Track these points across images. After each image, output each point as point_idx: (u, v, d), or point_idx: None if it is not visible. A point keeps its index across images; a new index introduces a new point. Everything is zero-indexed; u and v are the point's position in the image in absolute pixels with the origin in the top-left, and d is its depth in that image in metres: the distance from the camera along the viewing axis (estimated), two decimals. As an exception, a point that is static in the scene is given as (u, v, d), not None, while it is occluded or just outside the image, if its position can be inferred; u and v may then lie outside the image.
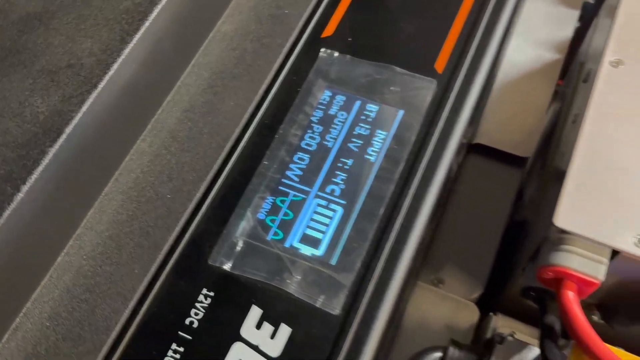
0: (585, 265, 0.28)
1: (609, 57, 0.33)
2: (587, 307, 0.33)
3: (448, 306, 0.37)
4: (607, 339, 0.30)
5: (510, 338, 0.31)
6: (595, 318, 0.33)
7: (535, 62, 0.46)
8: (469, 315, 0.37)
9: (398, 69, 0.32)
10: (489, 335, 0.33)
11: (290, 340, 0.26)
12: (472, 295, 0.38)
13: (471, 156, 0.43)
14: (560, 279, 0.29)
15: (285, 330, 0.26)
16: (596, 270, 0.28)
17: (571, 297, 0.28)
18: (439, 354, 0.31)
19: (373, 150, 0.30)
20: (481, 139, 0.43)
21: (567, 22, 0.47)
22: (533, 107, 0.43)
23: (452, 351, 0.31)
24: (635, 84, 0.32)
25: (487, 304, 0.39)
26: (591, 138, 0.30)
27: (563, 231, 0.29)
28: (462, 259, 0.39)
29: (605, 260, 0.28)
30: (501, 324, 0.38)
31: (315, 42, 0.33)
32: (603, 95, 0.32)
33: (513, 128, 0.43)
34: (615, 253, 0.29)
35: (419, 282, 0.38)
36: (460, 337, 0.36)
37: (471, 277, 0.38)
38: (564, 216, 0.29)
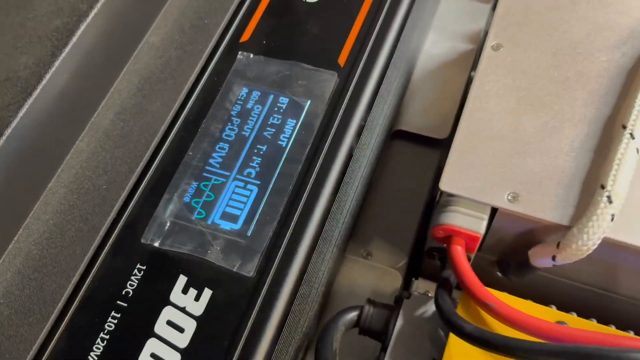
0: (468, 222, 0.32)
1: (490, 41, 0.37)
2: (489, 264, 0.37)
3: (374, 275, 0.41)
4: (509, 291, 0.34)
5: (416, 293, 0.35)
6: (499, 275, 0.38)
7: (451, 54, 0.50)
8: (393, 281, 0.41)
9: (305, 65, 0.36)
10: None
11: (212, 301, 0.30)
12: (398, 264, 0.42)
13: (394, 141, 0.47)
14: (449, 236, 0.33)
15: (207, 293, 0.30)
16: (478, 226, 0.32)
17: (459, 250, 0.33)
18: (355, 312, 0.35)
19: (284, 137, 0.35)
20: (402, 125, 0.47)
21: (480, 15, 0.52)
22: (449, 94, 0.48)
23: (367, 308, 0.35)
24: (511, 64, 0.36)
25: (413, 271, 0.43)
26: (473, 112, 0.35)
27: (449, 194, 0.33)
28: (388, 233, 0.43)
29: (485, 216, 0.33)
30: (421, 286, 0.42)
31: (234, 46, 0.38)
32: (485, 75, 0.36)
33: (431, 114, 0.48)
34: (494, 210, 0.33)
35: (348, 256, 0.42)
36: (384, 301, 0.40)
37: (396, 248, 0.43)
38: (448, 181, 0.33)
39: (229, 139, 0.35)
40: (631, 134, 0.31)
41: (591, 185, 0.31)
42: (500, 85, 0.35)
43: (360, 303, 0.38)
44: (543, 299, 0.34)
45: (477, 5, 0.53)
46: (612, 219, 0.30)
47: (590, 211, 0.30)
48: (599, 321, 0.33)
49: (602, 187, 0.30)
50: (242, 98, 0.36)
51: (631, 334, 0.32)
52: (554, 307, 0.33)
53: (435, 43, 0.51)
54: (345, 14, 0.38)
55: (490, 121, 0.34)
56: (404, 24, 0.39)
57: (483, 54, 0.37)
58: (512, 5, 0.38)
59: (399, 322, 0.34)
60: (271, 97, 0.36)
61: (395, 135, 0.47)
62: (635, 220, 0.31)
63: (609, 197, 0.30)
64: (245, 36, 0.38)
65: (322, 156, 0.34)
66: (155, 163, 0.34)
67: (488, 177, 0.33)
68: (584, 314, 0.33)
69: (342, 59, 0.36)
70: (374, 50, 0.37)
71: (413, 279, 0.42)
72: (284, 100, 0.36)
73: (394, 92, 0.42)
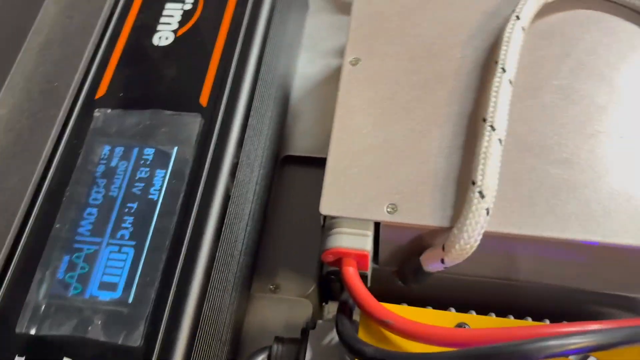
0: (353, 242, 0.32)
1: (348, 57, 0.37)
2: (391, 274, 0.37)
3: (285, 308, 0.40)
4: (415, 298, 0.34)
5: (320, 322, 0.35)
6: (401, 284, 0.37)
7: (326, 71, 0.50)
8: (305, 310, 0.40)
9: (166, 111, 0.35)
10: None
11: (101, 380, 0.28)
12: (307, 292, 0.41)
13: (285, 167, 0.47)
14: (339, 259, 0.33)
15: (94, 373, 0.28)
16: (364, 243, 0.32)
17: (350, 272, 0.32)
18: (264, 355, 0.34)
19: (155, 190, 0.33)
20: (290, 150, 0.47)
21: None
22: (330, 111, 0.48)
23: (275, 348, 0.34)
24: (371, 76, 0.36)
25: (325, 295, 0.43)
26: (341, 130, 0.35)
27: (332, 217, 0.33)
28: (293, 262, 0.43)
29: (370, 232, 0.32)
30: (332, 309, 0.41)
31: (90, 104, 0.36)
32: (347, 91, 0.36)
33: (316, 133, 0.47)
34: (378, 224, 0.33)
35: (255, 294, 0.41)
36: (298, 333, 0.39)
37: (303, 275, 0.42)
38: (327, 204, 0.32)
39: (97, 202, 0.33)
40: (492, 126, 0.32)
41: (464, 183, 0.32)
42: (363, 99, 0.35)
43: (272, 341, 0.37)
44: (446, 300, 0.35)
45: (344, 18, 0.53)
46: (487, 213, 0.30)
47: (466, 209, 0.30)
48: (497, 314, 0.33)
49: (473, 183, 0.31)
50: (105, 157, 0.34)
51: (529, 319, 0.32)
52: (453, 310, 0.33)
53: (308, 62, 0.51)
54: (201, 52, 0.37)
55: (360, 136, 0.34)
56: (262, 52, 0.38)
57: (342, 70, 0.37)
58: (364, 18, 0.38)
59: (308, 355, 0.33)
60: (135, 150, 0.34)
61: (285, 161, 0.47)
62: (510, 209, 0.31)
63: (480, 192, 0.30)
64: (101, 92, 0.36)
65: (196, 203, 0.32)
66: (21, 243, 0.32)
67: (366, 193, 0.33)
68: (483, 308, 0.33)
69: (203, 99, 0.35)
70: (235, 84, 0.36)
71: (324, 303, 0.42)
72: (149, 152, 0.34)
73: (269, 121, 0.41)
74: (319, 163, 0.47)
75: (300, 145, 0.47)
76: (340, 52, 0.51)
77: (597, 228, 0.30)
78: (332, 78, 0.50)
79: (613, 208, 0.31)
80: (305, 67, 0.50)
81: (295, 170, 0.47)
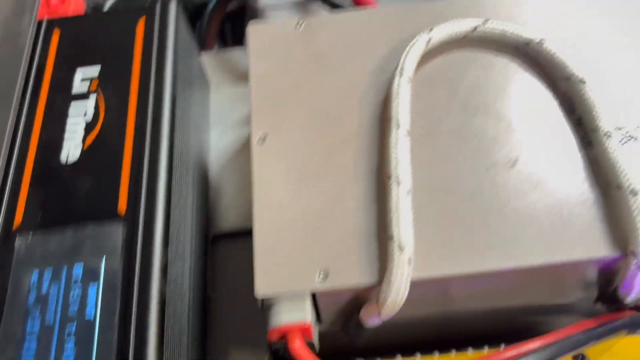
0: (294, 316, 0.33)
1: (255, 136, 0.39)
2: (338, 333, 0.38)
3: (241, 388, 0.41)
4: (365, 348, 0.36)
5: (280, 396, 0.35)
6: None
7: (238, 141, 0.52)
8: (263, 385, 0.41)
9: (87, 225, 0.36)
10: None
11: None
12: (262, 363, 0.42)
13: (217, 245, 0.47)
14: (284, 334, 0.34)
15: None
16: (303, 315, 0.33)
17: (297, 346, 0.33)
18: None
19: (90, 307, 0.33)
20: (218, 229, 0.47)
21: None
22: (249, 180, 0.49)
23: None
24: (280, 151, 0.38)
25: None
26: (261, 209, 0.36)
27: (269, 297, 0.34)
28: (241, 337, 0.43)
29: (308, 303, 0.34)
30: (290, 377, 0.42)
31: (9, 234, 0.36)
32: (260, 169, 0.37)
33: (241, 205, 0.49)
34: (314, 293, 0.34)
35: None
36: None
37: (254, 348, 0.43)
38: (261, 285, 0.34)
39: (34, 333, 0.33)
40: (397, 181, 0.34)
41: (385, 236, 0.34)
42: (277, 174, 0.37)
43: None
44: (394, 344, 0.36)
45: (246, 88, 0.54)
46: (409, 263, 0.32)
47: (390, 264, 0.32)
48: (441, 346, 0.35)
49: (391, 237, 0.33)
50: (35, 283, 0.34)
51: (469, 350, 0.34)
52: (399, 357, 0.34)
53: (220, 137, 0.52)
54: (111, 159, 0.38)
55: (280, 211, 0.36)
56: (172, 144, 0.39)
57: (252, 149, 0.38)
58: (263, 95, 0.40)
59: None
60: (64, 270, 0.35)
61: (216, 239, 0.48)
62: (430, 253, 0.33)
63: (399, 245, 0.32)
64: (18, 220, 0.36)
65: (133, 313, 0.33)
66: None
67: (296, 265, 0.34)
68: (429, 343, 0.35)
69: (121, 207, 0.36)
70: (150, 184, 0.37)
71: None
72: (78, 269, 0.35)
73: (191, 208, 0.42)
74: (249, 235, 0.48)
75: (227, 220, 0.48)
76: (249, 121, 0.53)
77: (510, 254, 0.33)
78: (246, 147, 0.51)
79: (520, 232, 0.33)
80: (218, 141, 0.52)
81: (227, 247, 0.47)
